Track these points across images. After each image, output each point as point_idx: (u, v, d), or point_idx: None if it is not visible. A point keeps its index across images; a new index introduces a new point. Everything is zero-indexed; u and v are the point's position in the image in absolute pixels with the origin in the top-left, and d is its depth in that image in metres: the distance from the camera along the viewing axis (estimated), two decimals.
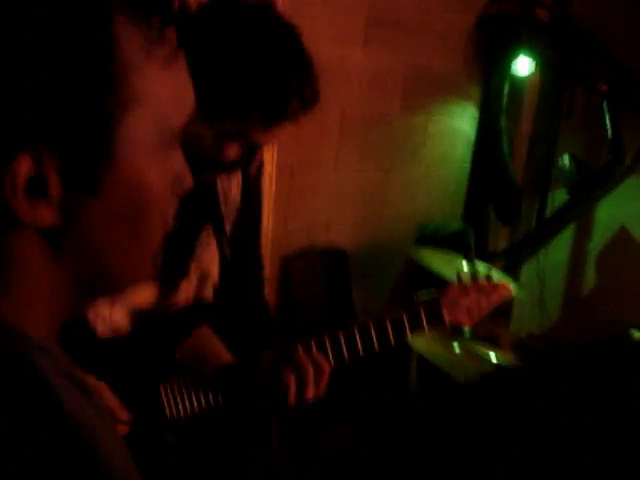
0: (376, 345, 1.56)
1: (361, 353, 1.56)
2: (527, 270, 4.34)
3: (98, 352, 1.52)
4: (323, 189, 3.20)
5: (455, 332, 3.27)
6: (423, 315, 1.60)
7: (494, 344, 3.95)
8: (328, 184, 3.22)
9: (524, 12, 3.85)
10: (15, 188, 0.56)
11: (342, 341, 1.55)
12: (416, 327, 1.59)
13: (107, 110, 0.58)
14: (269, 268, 2.90)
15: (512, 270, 4.29)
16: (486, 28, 3.80)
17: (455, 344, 2.76)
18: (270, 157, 2.80)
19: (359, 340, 1.55)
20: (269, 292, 2.97)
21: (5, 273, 0.60)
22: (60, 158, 0.57)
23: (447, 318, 1.63)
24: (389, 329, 1.56)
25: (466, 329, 3.69)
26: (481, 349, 2.71)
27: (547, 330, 4.36)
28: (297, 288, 3.08)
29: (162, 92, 0.62)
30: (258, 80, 1.33)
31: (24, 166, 0.56)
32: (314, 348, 1.54)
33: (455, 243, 3.72)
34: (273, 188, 2.83)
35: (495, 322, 4.22)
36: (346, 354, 1.55)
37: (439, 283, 2.31)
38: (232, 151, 1.45)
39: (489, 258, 4.15)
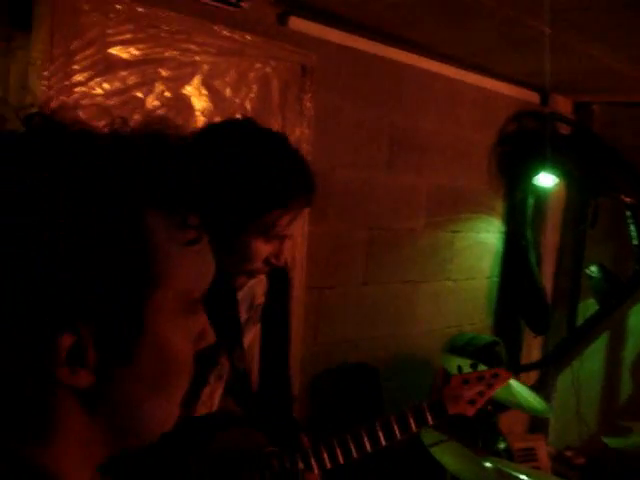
0: (383, 441, 1.70)
1: (369, 449, 1.70)
2: (562, 380, 4.30)
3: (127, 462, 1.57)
4: (352, 306, 3.26)
5: (488, 449, 3.24)
6: (427, 410, 1.74)
7: (531, 459, 3.89)
8: (357, 301, 3.28)
9: (545, 128, 3.98)
10: (58, 358, 0.65)
11: (350, 441, 1.69)
12: (421, 422, 1.74)
13: (139, 291, 0.68)
14: (300, 386, 2.93)
15: (547, 381, 4.26)
16: (508, 144, 3.92)
17: (487, 464, 2.73)
18: (299, 278, 2.88)
19: (366, 439, 1.69)
20: (300, 410, 2.99)
21: (46, 426, 0.69)
22: (97, 334, 0.66)
23: (450, 411, 1.77)
24: (394, 426, 1.71)
25: (501, 445, 3.65)
26: (512, 467, 2.66)
27: (586, 441, 4.26)
28: (328, 406, 3.09)
29: (185, 269, 0.72)
30: (267, 180, 1.54)
31: (66, 341, 0.65)
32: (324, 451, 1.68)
33: (486, 355, 3.73)
34: (302, 308, 2.90)
35: (532, 436, 4.16)
36: (355, 452, 1.69)
37: None
38: (263, 250, 1.59)
39: (522, 369, 4.14)
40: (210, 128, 1.71)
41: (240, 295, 1.81)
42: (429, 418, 1.74)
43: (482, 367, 2.04)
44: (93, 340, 0.66)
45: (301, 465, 1.66)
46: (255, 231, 1.56)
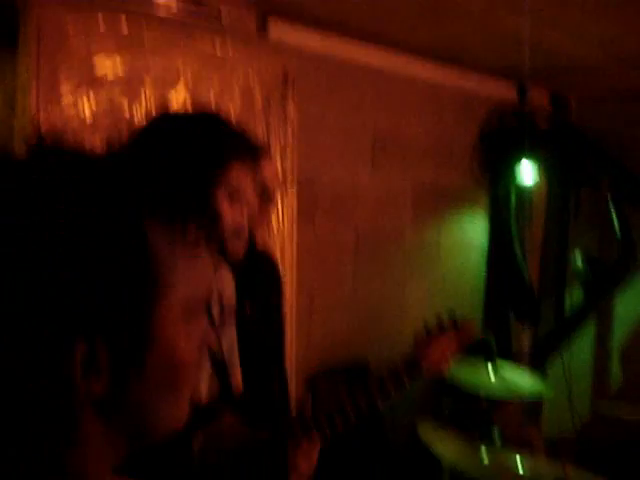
0: (364, 407, 1.78)
1: (352, 419, 1.76)
2: (553, 370, 4.36)
3: None
4: (342, 306, 3.31)
5: (484, 438, 3.28)
6: (402, 370, 1.84)
7: (527, 447, 3.94)
8: (347, 301, 3.33)
9: (524, 124, 4.04)
10: (73, 368, 0.69)
11: (335, 415, 1.75)
12: (398, 383, 1.83)
13: (144, 299, 0.72)
14: (294, 387, 2.96)
15: (538, 370, 4.30)
16: (488, 141, 3.98)
17: (483, 454, 2.78)
18: (289, 280, 2.92)
19: (349, 403, 1.77)
20: (294, 409, 3.03)
21: (68, 429, 0.73)
22: (109, 341, 0.70)
23: (425, 369, 1.89)
24: (374, 389, 1.80)
25: (495, 434, 3.70)
26: (508, 457, 2.71)
27: (579, 429, 4.32)
28: (322, 405, 3.13)
29: (188, 275, 0.76)
30: (221, 136, 1.69)
31: (80, 349, 0.69)
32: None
33: (477, 348, 3.78)
34: (294, 310, 2.94)
35: (526, 425, 4.21)
36: (340, 425, 1.74)
37: (464, 390, 2.44)
38: (229, 212, 1.67)
39: (513, 360, 4.19)
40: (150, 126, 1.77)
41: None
42: (405, 378, 1.84)
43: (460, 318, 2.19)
44: (106, 349, 0.70)
45: (291, 449, 1.70)
46: (218, 189, 1.66)
